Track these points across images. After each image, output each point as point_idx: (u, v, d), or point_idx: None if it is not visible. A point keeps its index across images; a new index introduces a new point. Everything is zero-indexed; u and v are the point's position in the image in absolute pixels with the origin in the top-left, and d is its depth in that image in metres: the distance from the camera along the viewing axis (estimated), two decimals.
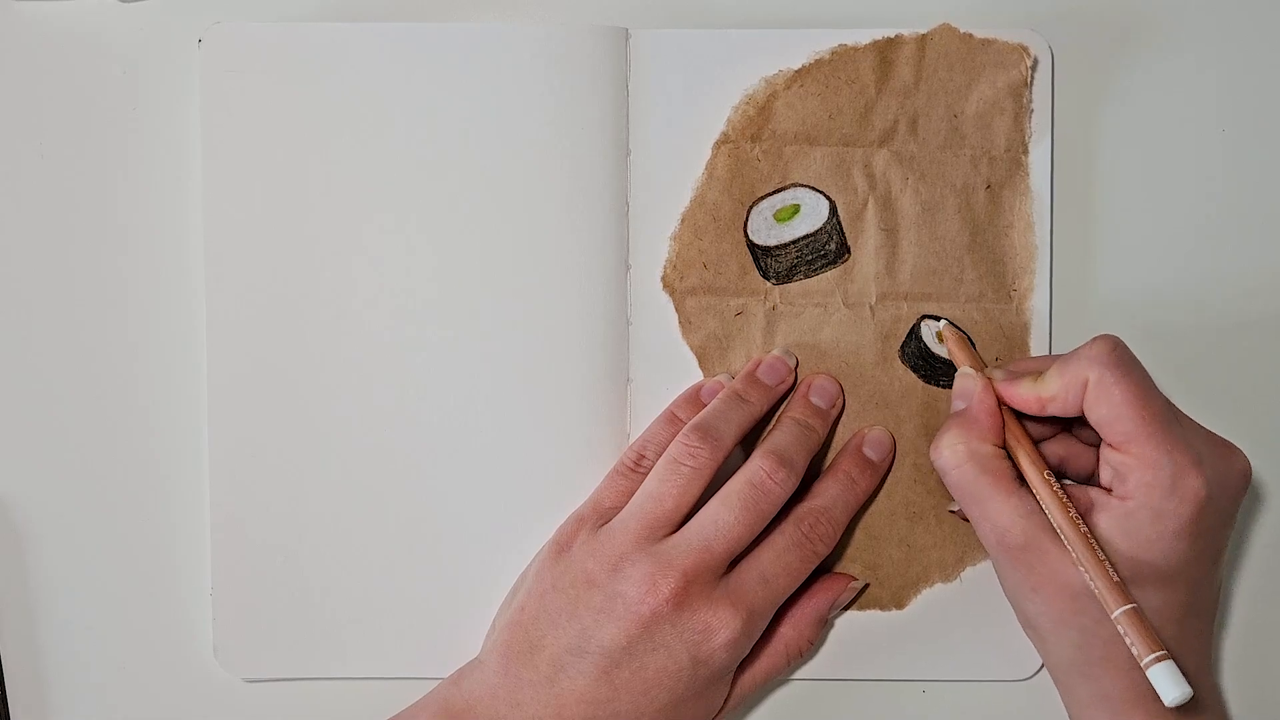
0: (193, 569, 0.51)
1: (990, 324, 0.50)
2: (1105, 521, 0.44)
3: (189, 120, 0.51)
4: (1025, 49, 0.50)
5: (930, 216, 0.50)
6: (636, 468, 0.48)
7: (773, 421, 0.50)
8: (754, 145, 0.50)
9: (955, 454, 0.46)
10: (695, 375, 0.50)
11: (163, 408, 0.51)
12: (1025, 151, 0.50)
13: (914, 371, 0.50)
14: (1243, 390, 0.51)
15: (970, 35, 0.50)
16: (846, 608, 0.51)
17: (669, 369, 0.50)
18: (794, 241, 0.50)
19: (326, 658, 0.51)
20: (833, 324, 0.50)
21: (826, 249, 0.50)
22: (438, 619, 0.49)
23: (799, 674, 0.51)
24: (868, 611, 0.51)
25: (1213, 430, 0.46)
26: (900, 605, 0.51)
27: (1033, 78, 0.50)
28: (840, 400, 0.50)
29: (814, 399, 0.49)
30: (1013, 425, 0.47)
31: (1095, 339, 0.45)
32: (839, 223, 0.50)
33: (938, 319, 0.50)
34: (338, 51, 0.50)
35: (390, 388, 0.50)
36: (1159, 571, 0.43)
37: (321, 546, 0.50)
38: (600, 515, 0.47)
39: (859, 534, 0.51)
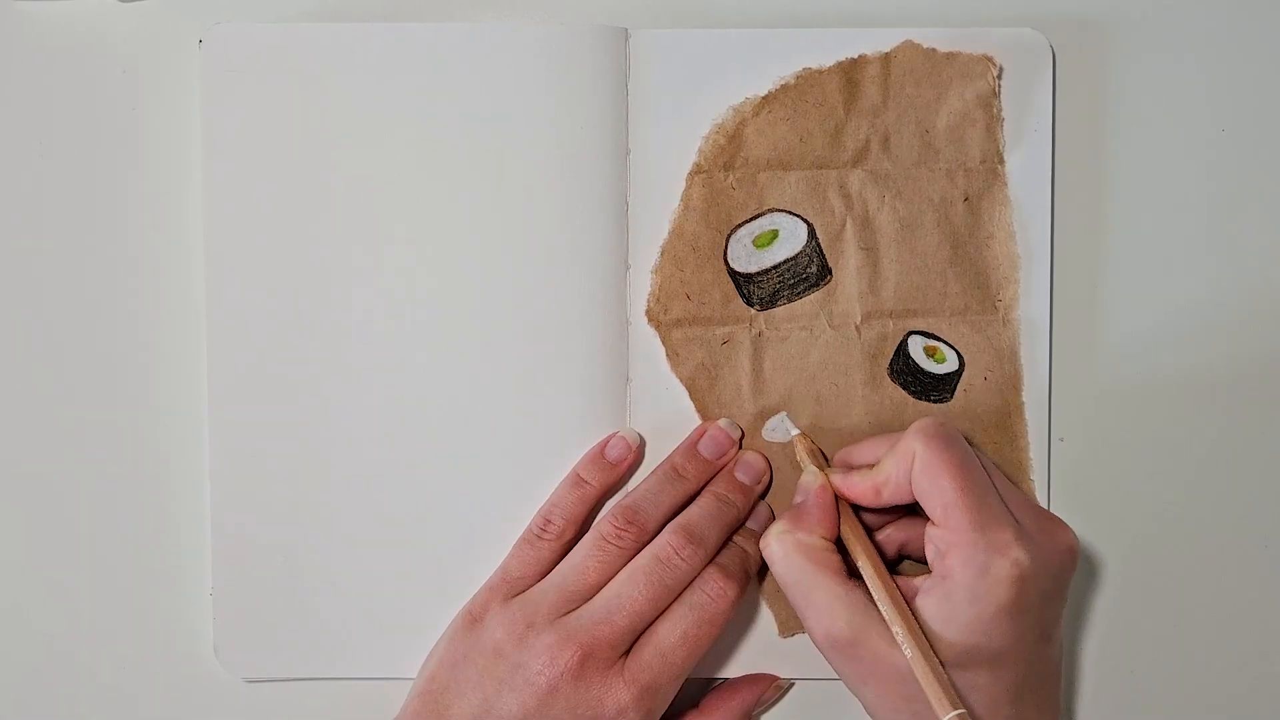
0: (193, 569, 0.51)
1: (978, 335, 0.50)
2: (928, 604, 0.44)
3: (189, 120, 0.51)
4: (991, 59, 0.50)
5: (909, 233, 0.50)
6: (543, 534, 0.49)
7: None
8: (727, 174, 0.50)
9: (783, 544, 0.46)
10: (687, 407, 0.50)
11: (163, 408, 0.51)
12: (1001, 161, 0.50)
13: (904, 389, 0.50)
14: (1244, 389, 0.51)
15: (934, 50, 0.50)
16: (771, 706, 0.51)
17: (660, 402, 0.50)
18: (775, 266, 0.50)
19: (326, 658, 0.51)
20: (820, 346, 0.50)
21: (808, 272, 0.50)
22: (437, 619, 0.49)
23: (800, 674, 0.51)
24: None
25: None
26: None
27: (1000, 87, 0.50)
28: (767, 477, 0.50)
29: (739, 474, 0.50)
30: (849, 519, 0.47)
31: (922, 419, 0.45)
32: (818, 245, 0.50)
33: (925, 334, 0.50)
34: (338, 51, 0.50)
35: (390, 389, 0.50)
36: (985, 652, 0.43)
37: (321, 547, 0.50)
38: (510, 585, 0.48)
39: None
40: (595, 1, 0.51)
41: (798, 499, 0.48)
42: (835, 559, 0.46)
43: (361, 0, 0.51)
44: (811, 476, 0.48)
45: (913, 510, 0.47)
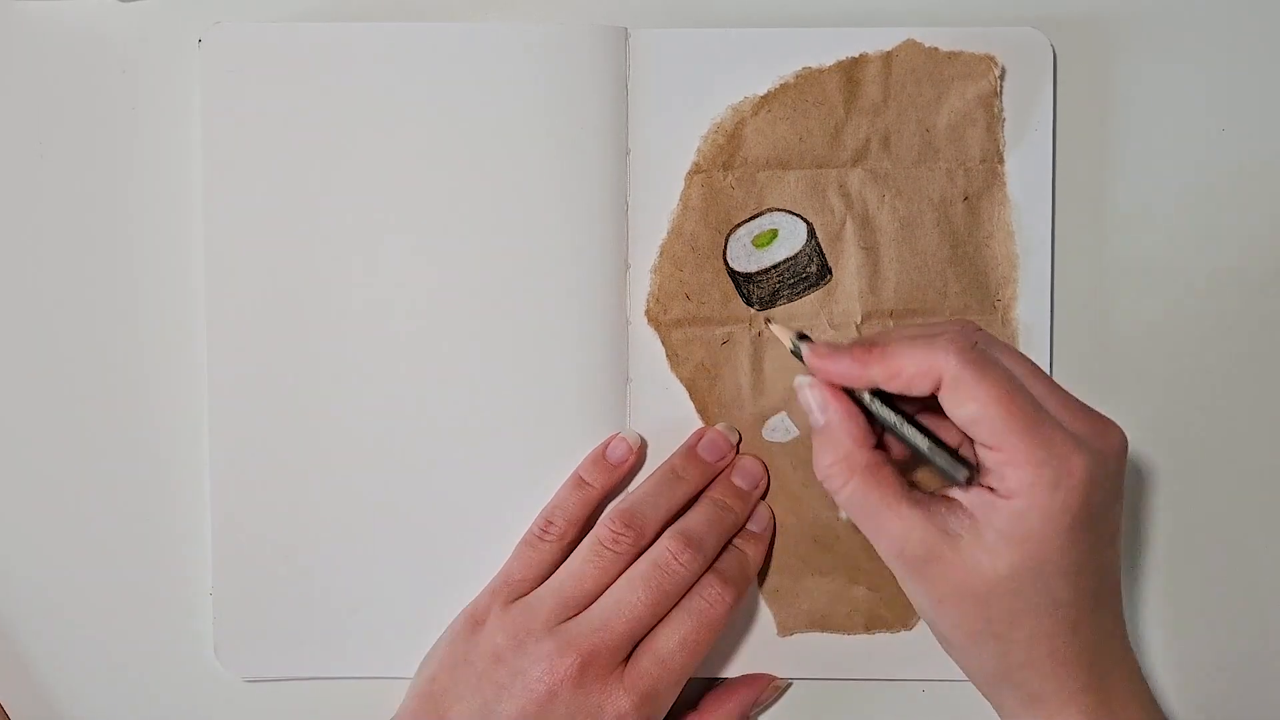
0: (193, 569, 0.51)
1: None
2: (996, 525, 0.42)
3: (189, 120, 0.51)
4: (993, 59, 0.50)
5: (909, 232, 0.50)
6: (544, 536, 0.49)
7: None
8: (726, 174, 0.50)
9: (840, 472, 0.43)
10: (687, 407, 0.50)
11: (163, 408, 0.51)
12: (1001, 161, 0.50)
13: None
14: (1244, 390, 0.51)
15: (935, 49, 0.50)
16: (768, 706, 0.51)
17: (660, 402, 0.50)
18: (774, 266, 0.50)
19: (326, 658, 0.51)
20: None
21: (807, 271, 0.50)
22: (438, 619, 0.49)
23: (799, 674, 0.51)
24: (876, 635, 0.51)
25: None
26: (908, 625, 0.51)
27: (1001, 87, 0.50)
28: (764, 482, 0.50)
29: (736, 480, 0.50)
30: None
31: (950, 326, 0.43)
32: (818, 244, 0.50)
33: None
34: (338, 51, 0.50)
35: (390, 388, 0.50)
36: (1061, 566, 0.42)
37: (322, 546, 0.50)
38: (511, 588, 0.48)
39: (861, 555, 0.50)
40: (595, 1, 0.51)
41: (816, 417, 0.44)
42: (891, 472, 0.43)
43: (361, 0, 0.51)
44: (815, 391, 0.44)
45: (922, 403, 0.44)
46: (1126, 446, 0.44)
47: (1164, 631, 0.52)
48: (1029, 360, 0.44)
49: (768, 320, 0.49)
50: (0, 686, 0.52)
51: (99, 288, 0.51)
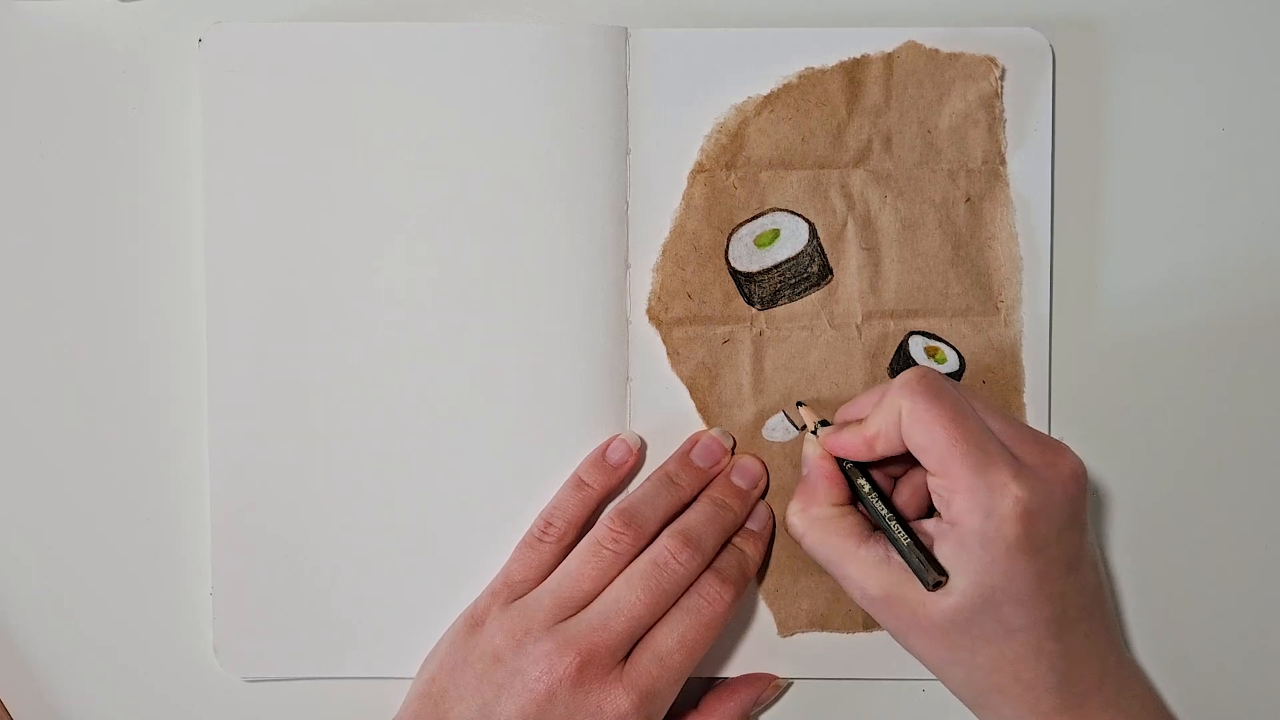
0: (193, 569, 0.51)
1: (979, 336, 0.50)
2: (943, 551, 0.44)
3: (189, 120, 0.51)
4: (993, 60, 0.50)
5: (911, 233, 0.50)
6: (544, 537, 0.49)
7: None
8: (729, 173, 0.50)
9: (801, 522, 0.47)
10: (688, 406, 0.51)
11: (163, 408, 0.51)
12: (1003, 162, 0.50)
13: None
14: (1244, 393, 0.51)
15: (937, 51, 0.50)
16: (768, 706, 0.51)
17: (661, 401, 0.51)
18: (776, 266, 0.50)
19: (326, 658, 0.51)
20: (820, 346, 0.50)
21: (809, 272, 0.50)
22: (438, 619, 0.49)
23: (799, 674, 0.51)
24: (876, 634, 0.51)
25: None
26: None
27: (1002, 88, 0.50)
28: (764, 481, 0.50)
29: (735, 479, 0.50)
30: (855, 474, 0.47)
31: (906, 370, 0.45)
32: (819, 245, 0.50)
33: (926, 335, 0.50)
34: (338, 51, 0.50)
35: (390, 389, 0.50)
36: (1009, 594, 0.43)
37: (322, 547, 0.50)
38: (511, 589, 0.48)
39: None
40: (595, 1, 0.51)
41: (804, 470, 0.48)
42: (852, 522, 0.46)
43: (361, 0, 0.51)
44: (810, 446, 0.48)
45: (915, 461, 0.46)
46: (1081, 475, 0.45)
47: (1159, 641, 0.52)
48: (983, 395, 0.47)
49: (800, 403, 0.50)
50: (0, 686, 0.52)
51: (99, 288, 0.51)
